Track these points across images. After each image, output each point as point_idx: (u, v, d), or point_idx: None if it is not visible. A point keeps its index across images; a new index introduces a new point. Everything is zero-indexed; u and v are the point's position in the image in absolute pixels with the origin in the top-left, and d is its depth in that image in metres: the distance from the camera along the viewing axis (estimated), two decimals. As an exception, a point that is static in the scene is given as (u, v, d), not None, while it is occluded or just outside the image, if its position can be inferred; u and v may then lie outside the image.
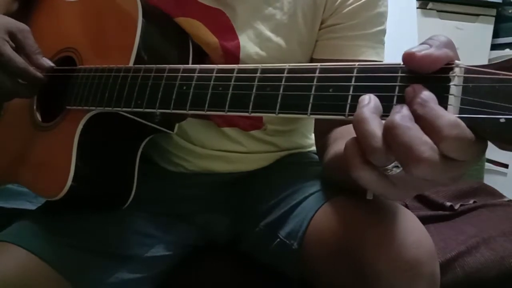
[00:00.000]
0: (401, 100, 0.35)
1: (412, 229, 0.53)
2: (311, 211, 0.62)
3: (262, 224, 0.70)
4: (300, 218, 0.64)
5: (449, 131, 0.32)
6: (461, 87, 0.33)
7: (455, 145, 0.32)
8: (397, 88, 0.35)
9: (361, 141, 0.35)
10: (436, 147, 0.32)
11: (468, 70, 0.33)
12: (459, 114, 0.33)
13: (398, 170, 0.35)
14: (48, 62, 0.66)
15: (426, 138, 0.33)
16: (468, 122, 0.32)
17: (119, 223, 0.71)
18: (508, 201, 1.19)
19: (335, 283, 0.56)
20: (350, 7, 0.66)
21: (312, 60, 0.71)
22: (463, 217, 1.08)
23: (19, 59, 0.63)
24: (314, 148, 0.84)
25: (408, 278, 0.50)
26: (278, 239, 0.66)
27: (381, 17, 0.69)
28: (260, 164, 0.80)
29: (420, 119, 0.33)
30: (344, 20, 0.67)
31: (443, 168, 0.33)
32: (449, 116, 0.32)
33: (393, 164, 0.34)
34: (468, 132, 0.32)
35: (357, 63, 0.38)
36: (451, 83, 0.33)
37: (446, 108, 0.33)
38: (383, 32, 0.70)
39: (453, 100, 0.33)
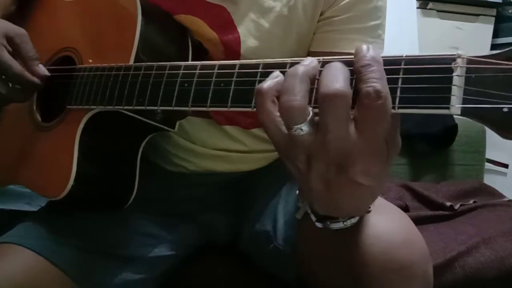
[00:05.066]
0: (405, 91, 0.35)
1: (400, 229, 0.53)
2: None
3: (257, 226, 0.70)
4: (293, 221, 0.64)
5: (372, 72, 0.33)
6: (463, 77, 0.33)
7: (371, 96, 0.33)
8: (400, 80, 0.35)
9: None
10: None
11: (470, 61, 0.33)
12: (462, 104, 0.32)
13: (302, 132, 0.35)
14: (43, 70, 0.65)
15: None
16: (472, 112, 0.32)
17: (122, 224, 0.71)
18: (508, 201, 1.19)
19: (330, 283, 0.56)
20: (347, 0, 0.66)
21: (309, 53, 0.71)
22: (463, 217, 1.08)
23: (16, 65, 0.62)
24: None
25: (400, 279, 0.49)
26: (272, 245, 0.66)
27: (378, 11, 0.68)
28: (260, 163, 0.79)
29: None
30: (341, 13, 0.67)
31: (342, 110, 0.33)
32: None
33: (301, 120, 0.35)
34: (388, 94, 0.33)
35: None
36: (453, 74, 0.33)
37: (449, 99, 0.33)
38: (380, 26, 0.69)
39: (456, 90, 0.33)
